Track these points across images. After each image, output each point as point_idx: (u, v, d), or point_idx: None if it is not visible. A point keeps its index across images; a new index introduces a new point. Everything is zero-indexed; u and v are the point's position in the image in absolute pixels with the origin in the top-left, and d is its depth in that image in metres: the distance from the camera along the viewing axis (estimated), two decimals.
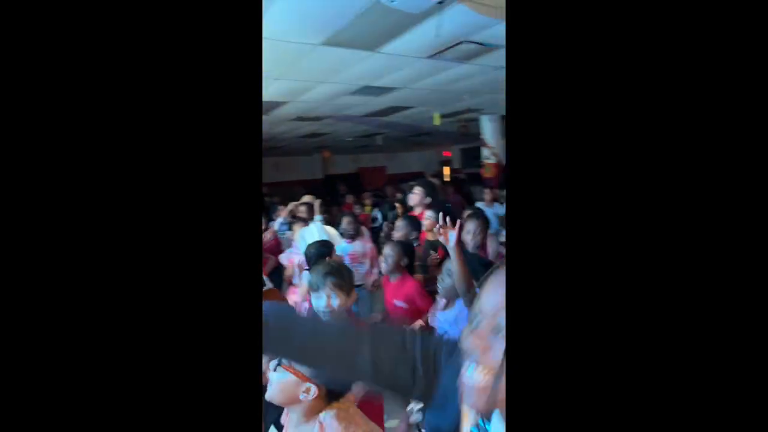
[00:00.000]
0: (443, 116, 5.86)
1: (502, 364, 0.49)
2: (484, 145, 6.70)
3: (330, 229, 2.53)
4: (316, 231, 2.37)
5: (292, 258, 2.77)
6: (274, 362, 0.88)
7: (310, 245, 2.16)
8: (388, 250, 2.04)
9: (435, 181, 5.52)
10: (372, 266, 2.94)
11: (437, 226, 1.47)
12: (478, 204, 4.70)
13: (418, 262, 2.20)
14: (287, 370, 0.85)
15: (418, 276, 2.17)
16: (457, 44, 2.94)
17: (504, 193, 5.08)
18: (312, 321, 0.67)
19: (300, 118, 5.56)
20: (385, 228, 3.22)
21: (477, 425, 0.56)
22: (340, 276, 1.42)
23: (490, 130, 6.59)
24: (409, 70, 3.57)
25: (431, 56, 3.22)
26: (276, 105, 4.59)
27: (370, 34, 2.65)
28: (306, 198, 3.62)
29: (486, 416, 0.55)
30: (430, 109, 5.49)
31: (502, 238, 3.37)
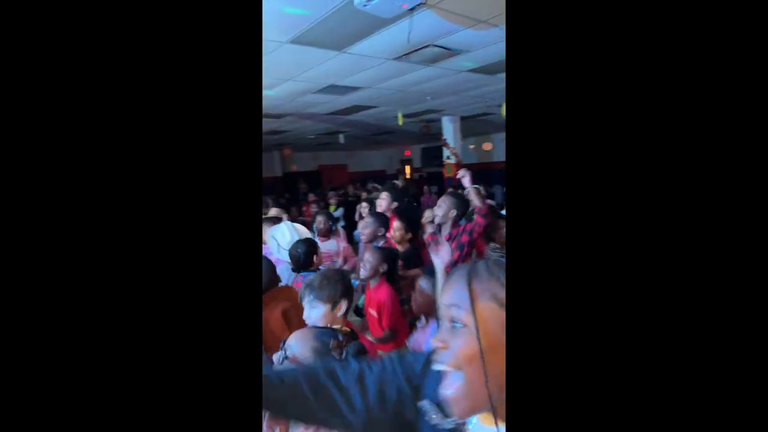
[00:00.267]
0: (406, 116, 5.96)
1: (468, 360, 0.51)
2: (445, 145, 6.88)
3: (299, 226, 2.52)
4: (287, 230, 2.36)
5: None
6: (279, 356, 0.91)
7: (295, 245, 2.11)
8: (368, 255, 1.99)
9: (399, 182, 5.58)
10: (345, 265, 2.94)
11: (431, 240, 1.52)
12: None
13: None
14: (292, 362, 0.89)
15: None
16: (424, 47, 3.03)
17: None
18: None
19: (263, 115, 5.47)
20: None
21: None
22: (322, 287, 1.38)
23: (450, 131, 6.78)
24: (375, 70, 3.61)
25: (397, 58, 3.28)
26: None
27: (339, 34, 2.67)
28: (272, 212, 3.55)
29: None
30: (393, 109, 5.57)
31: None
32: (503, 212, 3.00)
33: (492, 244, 2.38)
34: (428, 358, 0.62)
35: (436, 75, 3.92)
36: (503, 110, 4.41)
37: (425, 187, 7.25)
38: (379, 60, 3.32)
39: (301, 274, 2.05)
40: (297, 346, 0.92)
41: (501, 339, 0.51)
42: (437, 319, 1.47)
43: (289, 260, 2.12)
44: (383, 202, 3.10)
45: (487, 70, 3.85)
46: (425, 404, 0.59)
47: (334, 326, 1.02)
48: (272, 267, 1.88)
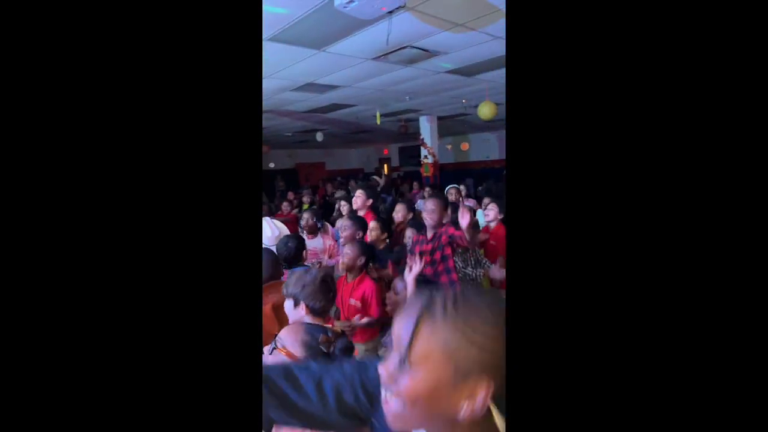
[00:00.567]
0: (384, 115, 6.00)
1: (410, 399, 0.50)
2: (423, 144, 6.95)
3: (278, 222, 2.53)
4: (267, 226, 2.36)
5: None
6: (269, 347, 0.95)
7: (285, 240, 2.12)
8: (347, 249, 2.07)
9: (378, 179, 5.58)
10: (330, 261, 2.94)
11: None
12: (420, 201, 4.89)
13: None
14: (281, 351, 0.94)
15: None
16: (402, 48, 3.07)
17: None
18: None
19: None
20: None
21: None
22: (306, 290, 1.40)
23: (428, 130, 6.86)
24: (354, 69, 3.63)
25: (376, 58, 3.31)
26: None
27: (318, 33, 2.68)
28: None
29: None
30: (371, 108, 5.59)
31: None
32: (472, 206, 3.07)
33: (459, 264, 2.39)
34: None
35: (414, 75, 3.97)
36: (480, 110, 4.49)
37: (414, 183, 7.22)
38: (358, 59, 3.34)
39: (293, 269, 2.06)
40: (288, 339, 0.95)
41: (441, 386, 0.50)
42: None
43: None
44: (359, 199, 3.12)
45: (464, 71, 3.92)
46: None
47: (324, 324, 1.05)
48: (276, 259, 1.89)
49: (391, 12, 2.20)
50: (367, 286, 2.02)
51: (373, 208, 3.24)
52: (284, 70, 3.55)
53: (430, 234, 2.22)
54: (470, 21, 2.59)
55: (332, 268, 2.58)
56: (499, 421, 0.52)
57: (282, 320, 1.56)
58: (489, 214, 3.03)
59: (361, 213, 3.07)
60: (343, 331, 1.03)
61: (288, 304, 1.40)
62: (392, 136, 8.97)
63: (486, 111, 4.44)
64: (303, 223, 3.07)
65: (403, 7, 2.19)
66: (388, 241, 2.77)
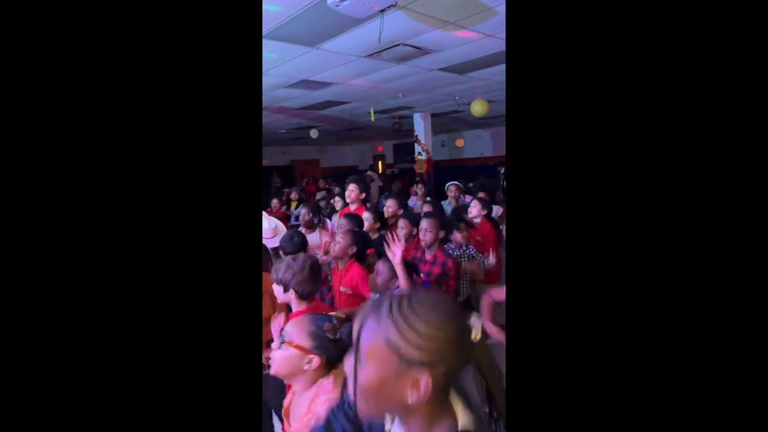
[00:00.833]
0: (378, 112, 6.03)
1: (363, 384, 0.57)
2: (417, 141, 6.99)
3: (273, 219, 2.57)
4: (265, 221, 2.41)
5: None
6: (276, 343, 1.00)
7: (287, 237, 2.18)
8: (339, 237, 2.13)
9: (374, 174, 5.58)
10: (325, 257, 2.97)
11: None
12: (412, 198, 4.93)
13: None
14: (290, 345, 0.97)
15: None
16: (395, 46, 3.10)
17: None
18: None
19: None
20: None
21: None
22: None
23: (422, 127, 6.90)
24: (347, 67, 3.66)
25: (369, 55, 3.35)
26: None
27: (311, 31, 2.71)
28: None
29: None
30: (365, 105, 5.62)
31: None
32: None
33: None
34: None
35: (407, 73, 4.00)
36: (473, 108, 4.54)
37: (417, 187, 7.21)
38: (351, 57, 3.37)
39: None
40: (294, 333, 0.99)
41: (386, 377, 0.56)
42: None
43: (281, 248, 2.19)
44: (352, 193, 3.16)
45: (456, 69, 3.96)
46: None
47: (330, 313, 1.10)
48: (266, 251, 1.94)
49: (383, 10, 2.24)
50: (355, 272, 2.08)
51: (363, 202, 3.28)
52: (278, 67, 3.58)
53: (429, 256, 2.26)
54: (461, 19, 2.63)
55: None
56: (458, 406, 0.60)
57: (270, 305, 1.66)
58: (472, 211, 3.09)
59: (353, 206, 3.10)
60: (347, 317, 1.08)
61: (277, 289, 1.47)
62: (386, 133, 9.00)
63: (478, 108, 4.49)
64: (301, 218, 3.10)
65: (395, 5, 2.23)
66: (380, 232, 2.82)
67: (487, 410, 0.61)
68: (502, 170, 7.49)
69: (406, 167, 10.31)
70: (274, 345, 1.02)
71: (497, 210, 3.70)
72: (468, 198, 4.51)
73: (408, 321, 0.56)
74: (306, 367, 0.97)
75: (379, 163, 12.64)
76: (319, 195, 5.44)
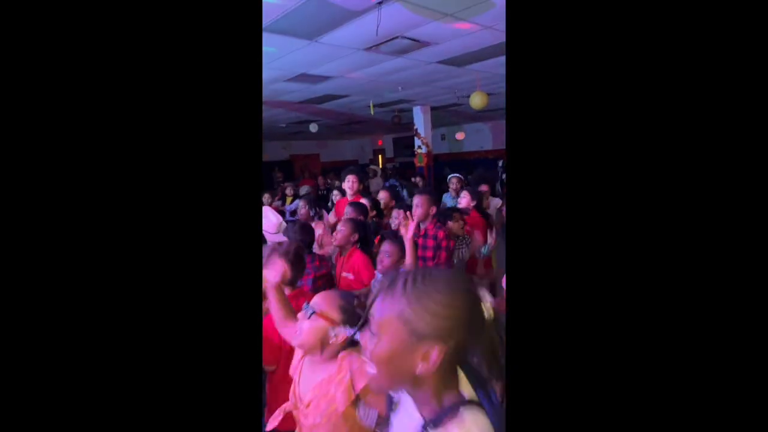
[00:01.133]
0: (377, 106, 6.03)
1: (376, 356, 0.61)
2: (417, 135, 7.00)
3: (273, 212, 2.61)
4: (271, 214, 2.44)
5: None
6: (308, 311, 1.03)
7: (296, 229, 2.22)
8: (340, 226, 2.19)
9: (376, 168, 5.58)
10: (320, 250, 3.01)
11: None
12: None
13: None
14: (320, 316, 1.01)
15: None
16: (393, 39, 3.11)
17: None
18: None
19: None
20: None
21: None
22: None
23: (421, 121, 6.90)
24: (346, 60, 3.67)
25: (368, 49, 3.35)
26: None
27: (310, 24, 2.72)
28: None
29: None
30: (364, 99, 5.63)
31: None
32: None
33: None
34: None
35: (406, 66, 4.00)
36: (472, 100, 4.55)
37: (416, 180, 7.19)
38: (350, 50, 3.38)
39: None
40: (324, 305, 1.02)
41: (399, 349, 0.59)
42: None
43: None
44: (354, 184, 3.20)
45: (455, 62, 3.97)
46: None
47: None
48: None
49: (380, 2, 2.25)
50: (357, 258, 2.15)
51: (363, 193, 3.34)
52: (277, 61, 3.58)
53: (420, 230, 2.33)
54: (459, 11, 2.64)
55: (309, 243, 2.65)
56: (464, 380, 0.63)
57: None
58: (462, 202, 3.14)
59: (351, 198, 3.14)
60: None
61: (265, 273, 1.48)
62: (386, 126, 9.00)
63: (478, 101, 4.50)
64: (298, 210, 3.13)
65: None
66: (375, 219, 2.90)
67: (493, 387, 0.64)
68: (501, 163, 7.51)
69: (406, 161, 10.32)
70: (301, 315, 1.05)
71: (497, 202, 3.72)
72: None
73: (420, 297, 0.59)
74: (332, 341, 1.01)
75: (379, 157, 12.64)
76: (303, 189, 5.44)
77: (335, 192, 3.91)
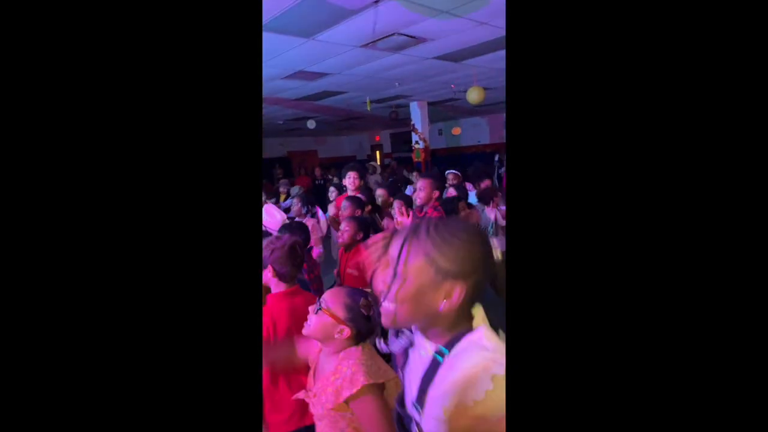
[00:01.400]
0: (374, 102, 6.05)
1: (399, 300, 0.65)
2: (414, 130, 7.02)
3: (278, 210, 2.65)
4: (275, 212, 2.49)
5: None
6: (314, 306, 1.08)
7: (285, 228, 2.25)
8: (344, 225, 2.24)
9: (376, 165, 5.60)
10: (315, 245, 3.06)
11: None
12: (410, 187, 4.98)
13: None
14: (326, 313, 1.05)
15: None
16: (389, 36, 3.13)
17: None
18: None
19: None
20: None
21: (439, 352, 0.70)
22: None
23: (418, 116, 6.92)
24: (343, 57, 3.69)
25: (364, 45, 3.37)
26: None
27: (306, 22, 2.74)
28: None
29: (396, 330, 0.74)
30: (361, 95, 5.64)
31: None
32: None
33: None
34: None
35: (403, 62, 4.02)
36: (468, 95, 4.57)
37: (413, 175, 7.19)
38: (347, 47, 3.40)
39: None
40: (331, 301, 1.06)
41: (424, 287, 0.65)
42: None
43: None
44: (356, 180, 3.24)
45: (452, 57, 3.99)
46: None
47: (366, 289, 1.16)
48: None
49: (376, 0, 2.27)
50: (362, 255, 2.17)
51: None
52: (274, 59, 3.60)
53: (420, 213, 2.38)
54: (455, 8, 2.66)
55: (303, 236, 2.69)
56: (479, 314, 0.68)
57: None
58: (451, 192, 3.19)
59: (352, 194, 3.18)
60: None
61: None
62: (384, 122, 9.01)
63: (474, 96, 4.52)
64: (292, 207, 3.18)
65: None
66: (373, 213, 2.95)
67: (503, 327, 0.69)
68: (497, 157, 7.53)
69: (403, 156, 10.34)
70: (311, 308, 1.09)
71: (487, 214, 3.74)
72: (468, 185, 4.56)
73: (445, 238, 0.65)
74: (337, 336, 1.05)
75: (377, 153, 12.65)
76: (293, 190, 5.43)
77: (332, 189, 3.94)
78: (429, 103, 6.94)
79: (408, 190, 4.74)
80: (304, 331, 1.09)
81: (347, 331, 1.05)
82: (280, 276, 1.46)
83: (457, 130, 9.28)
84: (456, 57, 3.99)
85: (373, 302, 1.08)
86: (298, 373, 1.36)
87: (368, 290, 1.15)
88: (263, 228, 2.29)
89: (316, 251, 3.02)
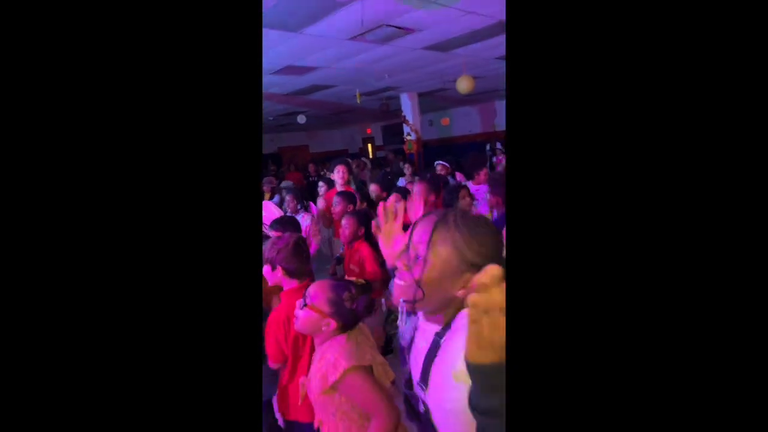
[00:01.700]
0: (364, 94, 6.03)
1: (425, 277, 0.68)
2: (405, 121, 7.01)
3: (276, 207, 2.66)
4: (275, 211, 2.50)
5: None
6: (301, 302, 1.13)
7: (276, 223, 2.25)
8: (344, 222, 2.24)
9: (367, 161, 5.59)
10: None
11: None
12: (401, 179, 4.99)
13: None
14: (311, 309, 1.10)
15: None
16: (377, 27, 3.12)
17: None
18: None
19: None
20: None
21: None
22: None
23: (409, 107, 6.91)
24: (331, 50, 3.67)
25: (353, 38, 3.36)
26: None
27: (294, 16, 2.72)
28: None
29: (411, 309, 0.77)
30: (351, 88, 5.62)
31: None
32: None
33: None
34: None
35: (392, 53, 4.01)
36: (458, 85, 4.57)
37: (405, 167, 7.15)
38: (335, 40, 3.38)
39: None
40: (315, 297, 1.11)
41: (447, 274, 0.68)
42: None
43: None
44: (345, 174, 3.24)
45: (440, 47, 3.98)
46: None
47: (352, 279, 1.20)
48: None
49: None
50: (364, 251, 2.20)
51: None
52: (263, 54, 3.58)
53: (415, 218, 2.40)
54: None
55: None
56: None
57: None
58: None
59: (341, 188, 3.19)
60: (366, 286, 1.18)
61: (265, 269, 1.52)
62: (375, 115, 8.98)
63: (464, 85, 4.52)
64: (285, 204, 3.18)
65: None
66: (368, 208, 2.97)
67: None
68: (488, 146, 7.55)
69: (396, 148, 10.33)
70: (298, 303, 1.14)
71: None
72: (459, 176, 4.58)
73: (471, 228, 0.69)
74: (324, 328, 1.11)
75: (369, 145, 12.62)
76: (284, 184, 5.32)
77: (321, 183, 3.95)
78: (419, 94, 6.92)
79: (400, 182, 4.75)
80: (295, 327, 1.15)
81: (333, 324, 1.10)
82: (290, 273, 1.49)
83: (446, 121, 9.27)
84: (444, 47, 3.99)
85: (357, 294, 1.13)
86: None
87: (354, 280, 1.19)
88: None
89: (314, 246, 3.04)
